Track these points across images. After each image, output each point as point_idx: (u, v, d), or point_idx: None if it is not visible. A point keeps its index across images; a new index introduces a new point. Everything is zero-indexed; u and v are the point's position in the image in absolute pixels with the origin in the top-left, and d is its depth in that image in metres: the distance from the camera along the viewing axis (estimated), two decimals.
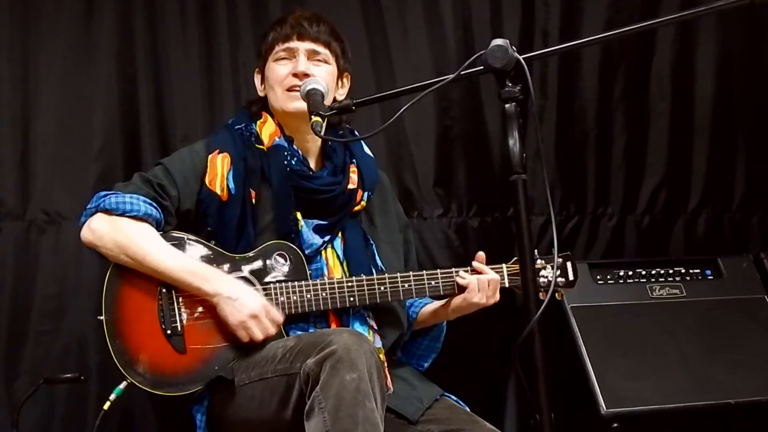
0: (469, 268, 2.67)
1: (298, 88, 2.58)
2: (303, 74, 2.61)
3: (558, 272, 2.68)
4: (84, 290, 3.18)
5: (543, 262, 2.66)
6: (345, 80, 2.78)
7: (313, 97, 2.49)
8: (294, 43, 2.66)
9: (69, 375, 2.98)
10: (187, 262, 2.51)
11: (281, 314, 2.50)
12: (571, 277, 2.71)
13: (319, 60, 2.67)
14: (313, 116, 2.34)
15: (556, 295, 2.74)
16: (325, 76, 2.64)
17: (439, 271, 2.65)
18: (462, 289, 2.65)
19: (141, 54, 3.35)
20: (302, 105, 2.51)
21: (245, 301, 2.46)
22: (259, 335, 2.46)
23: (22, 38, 3.25)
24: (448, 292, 2.66)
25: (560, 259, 2.71)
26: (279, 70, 2.66)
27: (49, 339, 3.21)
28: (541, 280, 2.63)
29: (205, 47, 3.42)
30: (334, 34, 2.71)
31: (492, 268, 2.67)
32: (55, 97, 3.27)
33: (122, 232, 2.48)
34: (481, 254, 2.69)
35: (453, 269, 2.67)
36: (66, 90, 3.28)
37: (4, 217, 3.22)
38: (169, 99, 3.38)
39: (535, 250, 2.53)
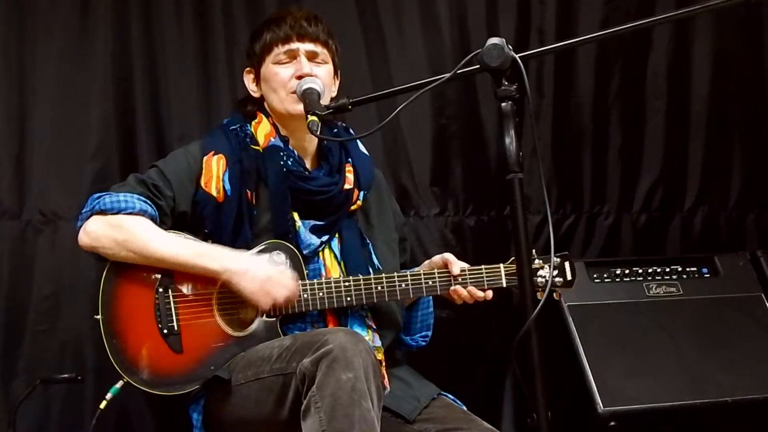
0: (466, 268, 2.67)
1: None
2: (307, 76, 2.60)
3: (556, 272, 2.67)
4: (80, 290, 3.18)
5: (540, 261, 2.65)
6: (337, 76, 2.77)
7: (309, 97, 2.48)
8: (294, 45, 2.64)
9: (66, 375, 2.99)
10: (190, 245, 2.51)
11: (294, 274, 2.51)
12: (569, 277, 2.70)
13: (319, 61, 2.66)
14: (309, 115, 2.34)
15: (554, 295, 2.74)
16: (324, 76, 2.63)
17: (436, 270, 2.65)
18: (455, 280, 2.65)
19: (137, 53, 3.35)
20: None
21: (256, 270, 2.48)
22: (280, 296, 2.47)
23: (17, 37, 3.24)
24: (444, 290, 2.65)
25: (558, 259, 2.69)
26: (282, 72, 2.64)
27: (46, 339, 3.21)
28: (539, 279, 2.62)
29: (201, 46, 3.42)
30: (330, 32, 2.71)
31: (488, 268, 2.66)
32: (51, 97, 3.27)
33: (120, 228, 2.48)
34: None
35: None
36: (62, 89, 3.28)
37: (0, 217, 3.22)
38: (165, 98, 3.38)
39: (533, 250, 2.54)
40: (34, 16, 3.25)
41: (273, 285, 2.47)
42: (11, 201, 3.23)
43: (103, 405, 2.51)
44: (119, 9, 3.33)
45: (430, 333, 2.83)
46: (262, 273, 2.48)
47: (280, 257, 2.55)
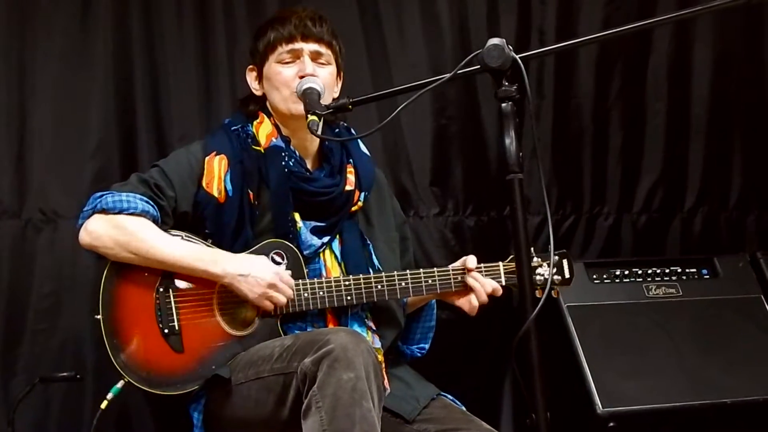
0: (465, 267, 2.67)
1: None
2: (308, 76, 2.60)
3: (554, 270, 2.67)
4: (80, 289, 3.17)
5: (539, 260, 2.65)
6: (340, 78, 2.77)
7: (309, 96, 2.48)
8: (298, 44, 2.64)
9: (65, 374, 2.98)
10: (191, 248, 2.52)
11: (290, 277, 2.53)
12: (567, 275, 2.70)
13: (322, 61, 2.66)
14: (309, 115, 2.34)
15: (552, 293, 2.74)
16: (327, 77, 2.63)
17: (435, 269, 2.65)
18: (468, 290, 2.65)
19: (137, 52, 3.34)
20: None
21: (258, 274, 2.48)
22: (282, 300, 2.49)
23: (18, 37, 3.24)
24: (444, 290, 2.65)
25: (556, 257, 2.70)
26: (285, 72, 2.64)
27: (46, 338, 3.20)
28: (537, 278, 2.62)
29: (202, 46, 3.42)
30: (334, 33, 2.71)
31: (488, 266, 2.67)
32: (51, 96, 3.26)
33: (121, 228, 2.48)
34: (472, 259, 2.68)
35: (450, 267, 2.67)
36: (62, 88, 3.27)
37: (0, 216, 3.22)
38: (165, 97, 3.37)
39: (532, 248, 2.54)
40: (34, 16, 3.25)
41: (275, 290, 2.49)
42: (11, 200, 3.22)
43: (104, 405, 2.51)
44: (120, 9, 3.32)
45: (427, 346, 2.83)
46: (263, 278, 2.48)
47: (279, 257, 2.56)
